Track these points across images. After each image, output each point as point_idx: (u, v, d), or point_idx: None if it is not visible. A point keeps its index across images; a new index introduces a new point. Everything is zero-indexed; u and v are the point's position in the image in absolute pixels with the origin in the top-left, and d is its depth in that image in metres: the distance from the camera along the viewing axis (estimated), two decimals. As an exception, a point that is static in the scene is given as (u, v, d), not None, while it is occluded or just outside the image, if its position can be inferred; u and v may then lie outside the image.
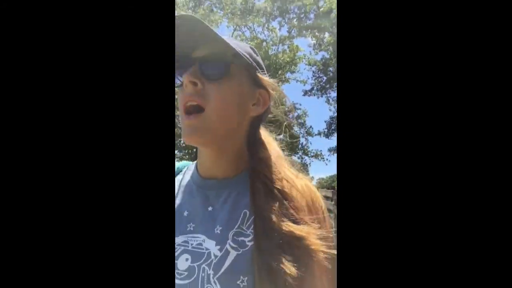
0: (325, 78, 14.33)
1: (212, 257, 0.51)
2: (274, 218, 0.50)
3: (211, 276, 0.50)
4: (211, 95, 0.55)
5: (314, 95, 14.95)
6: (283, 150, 0.67)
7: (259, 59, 0.62)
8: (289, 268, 0.46)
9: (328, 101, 14.81)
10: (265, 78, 0.62)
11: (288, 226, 0.50)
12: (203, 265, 0.51)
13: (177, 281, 0.51)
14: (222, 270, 0.50)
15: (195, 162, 0.67)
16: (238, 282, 0.48)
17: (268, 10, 14.38)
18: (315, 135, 14.65)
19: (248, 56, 0.58)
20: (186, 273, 0.51)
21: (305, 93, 14.99)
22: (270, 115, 0.67)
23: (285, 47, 14.05)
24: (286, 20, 14.39)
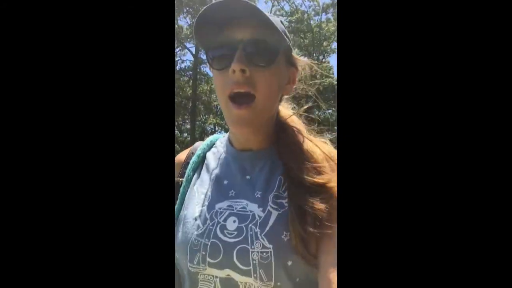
0: None
1: (257, 217, 0.57)
2: (300, 173, 0.58)
3: (259, 233, 0.55)
4: (259, 83, 0.56)
5: None
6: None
7: (287, 32, 0.62)
8: (317, 205, 0.54)
9: None
10: (298, 58, 0.66)
11: (312, 176, 0.57)
12: (250, 225, 0.57)
13: (229, 239, 0.56)
14: (267, 228, 0.56)
15: (227, 135, 0.71)
16: (282, 237, 0.55)
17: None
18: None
19: (287, 37, 0.59)
20: (235, 232, 0.57)
21: None
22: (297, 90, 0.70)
23: (329, 15, 13.26)
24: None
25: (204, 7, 0.54)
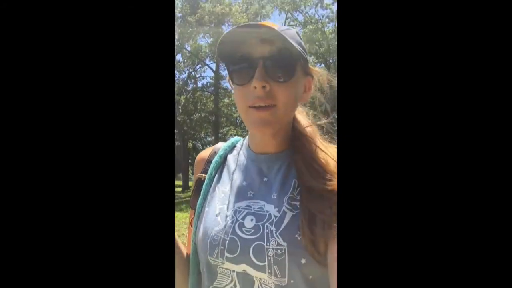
0: None
1: (273, 217, 0.61)
2: (311, 180, 0.61)
3: (274, 232, 0.59)
4: (279, 96, 0.60)
5: None
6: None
7: (303, 43, 0.66)
8: (326, 210, 0.57)
9: None
10: (314, 68, 0.69)
11: (321, 183, 0.60)
12: (266, 224, 0.60)
13: (246, 236, 0.61)
14: (282, 227, 0.59)
15: (246, 138, 0.75)
16: (296, 236, 0.58)
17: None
18: None
19: (301, 49, 0.62)
20: (252, 230, 0.61)
21: None
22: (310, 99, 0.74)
23: None
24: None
25: (230, 29, 0.59)
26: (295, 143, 0.68)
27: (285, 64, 0.60)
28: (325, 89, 0.73)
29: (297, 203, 0.61)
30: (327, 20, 14.03)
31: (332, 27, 13.70)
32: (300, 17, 14.82)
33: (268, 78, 0.59)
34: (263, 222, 0.61)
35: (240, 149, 0.75)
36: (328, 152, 0.66)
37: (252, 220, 0.62)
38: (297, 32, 0.66)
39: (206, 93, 17.59)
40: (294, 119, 0.71)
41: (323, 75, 0.71)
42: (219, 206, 0.66)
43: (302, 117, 0.73)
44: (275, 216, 0.61)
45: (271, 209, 0.62)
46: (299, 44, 0.62)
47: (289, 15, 14.75)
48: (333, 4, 13.74)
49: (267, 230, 0.60)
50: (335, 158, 0.64)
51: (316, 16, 14.15)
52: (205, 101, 17.38)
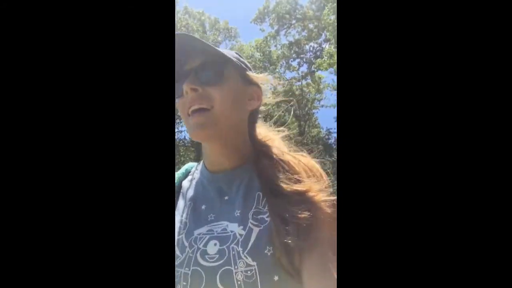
0: None
1: (238, 236, 0.57)
2: (280, 183, 0.59)
3: (241, 252, 0.55)
4: (213, 97, 0.61)
5: None
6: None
7: (245, 61, 0.69)
8: (299, 214, 0.55)
9: None
10: (254, 75, 0.69)
11: (292, 186, 0.59)
12: (232, 245, 0.56)
13: (211, 264, 0.56)
14: (250, 245, 0.55)
15: (201, 161, 0.74)
16: (265, 252, 0.54)
17: (286, 54, 15.50)
18: None
19: (236, 59, 0.65)
20: (217, 255, 0.56)
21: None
22: (267, 106, 0.74)
23: (309, 80, 15.76)
24: (304, 60, 15.99)
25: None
26: (258, 154, 0.67)
27: (214, 68, 0.62)
28: (274, 93, 0.73)
29: (264, 216, 0.58)
30: (294, 80, 15.88)
31: (300, 84, 16.16)
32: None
33: (198, 82, 0.60)
34: (227, 244, 0.57)
35: (196, 173, 0.73)
36: (295, 156, 0.66)
37: (215, 244, 0.58)
38: (236, 52, 0.69)
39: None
40: (253, 132, 0.71)
41: (268, 81, 0.71)
42: (176, 238, 0.62)
43: (263, 130, 0.74)
44: (241, 235, 0.57)
45: (235, 228, 0.58)
46: (235, 57, 0.65)
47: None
48: (298, 68, 16.28)
49: (233, 252, 0.56)
50: (304, 162, 0.64)
51: (287, 76, 15.59)
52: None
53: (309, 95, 17.01)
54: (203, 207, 0.65)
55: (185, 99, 0.62)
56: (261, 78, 0.70)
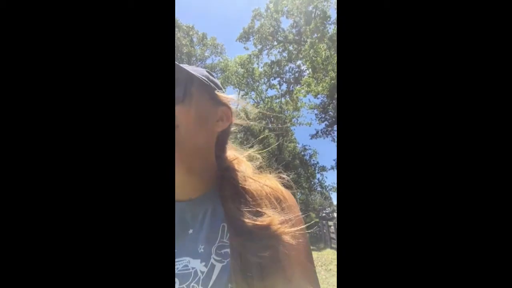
0: (327, 122, 16.62)
1: (199, 274, 0.53)
2: (241, 218, 0.55)
3: None
4: (177, 116, 0.56)
5: (320, 137, 16.88)
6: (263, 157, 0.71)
7: (216, 80, 0.66)
8: (261, 252, 0.50)
9: (333, 140, 16.45)
10: (223, 95, 0.65)
11: (252, 221, 0.54)
12: (192, 284, 0.53)
13: None
14: (211, 283, 0.52)
15: None
16: None
17: (267, 73, 16.72)
18: (329, 169, 17.19)
19: (205, 78, 0.61)
20: None
21: (312, 136, 17.01)
22: (239, 127, 0.70)
23: (287, 97, 16.94)
24: (284, 79, 17.23)
25: None
26: (222, 179, 0.62)
27: (180, 86, 0.58)
28: (246, 114, 0.70)
29: (228, 250, 0.54)
30: (274, 96, 17.05)
31: (279, 102, 17.31)
32: (253, 94, 16.75)
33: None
34: (188, 282, 0.53)
35: None
36: (260, 181, 0.62)
37: (175, 283, 0.54)
38: (206, 70, 0.66)
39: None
40: (221, 155, 0.68)
41: (236, 101, 0.68)
42: None
43: (233, 151, 0.70)
44: (202, 272, 0.53)
45: (197, 264, 0.55)
46: (204, 75, 0.62)
47: (242, 90, 16.76)
48: (279, 86, 17.48)
49: None
50: (271, 186, 0.61)
51: (269, 94, 16.75)
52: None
53: (287, 112, 18.22)
54: None
55: None
56: (230, 98, 0.67)
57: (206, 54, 16.84)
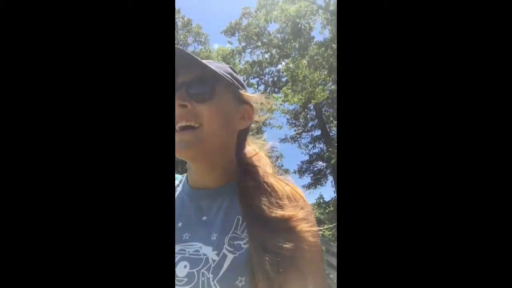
0: (296, 128, 17.41)
1: (210, 261, 0.54)
2: (263, 207, 0.56)
3: (211, 279, 0.52)
4: (202, 114, 0.58)
5: (288, 141, 17.62)
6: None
7: (239, 77, 0.67)
8: (281, 244, 0.51)
9: (300, 147, 17.46)
10: (247, 94, 0.67)
11: (275, 212, 0.55)
12: (202, 270, 0.53)
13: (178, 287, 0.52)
14: (221, 273, 0.52)
15: (185, 175, 0.71)
16: (237, 282, 0.51)
17: (248, 71, 16.84)
18: (291, 173, 17.03)
19: (229, 76, 0.63)
20: (186, 279, 0.53)
21: (281, 140, 17.33)
22: (256, 123, 0.71)
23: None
24: (263, 81, 17.36)
25: None
26: (242, 172, 0.64)
27: (206, 85, 0.60)
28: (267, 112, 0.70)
29: (242, 242, 0.55)
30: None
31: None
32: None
33: (188, 98, 0.58)
34: (198, 268, 0.54)
35: (179, 186, 0.71)
36: (280, 181, 0.63)
37: (185, 266, 0.55)
38: (230, 67, 0.68)
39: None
40: (241, 151, 0.69)
41: (260, 101, 0.69)
42: None
43: (249, 147, 0.72)
44: (213, 261, 0.54)
45: (208, 252, 0.55)
46: (228, 73, 0.64)
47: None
48: (257, 87, 17.60)
49: (203, 278, 0.53)
50: (287, 189, 0.62)
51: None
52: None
53: (262, 112, 18.43)
54: (180, 224, 0.61)
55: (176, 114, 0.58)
56: (255, 98, 0.68)
57: (188, 41, 16.51)
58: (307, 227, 0.56)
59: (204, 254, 0.55)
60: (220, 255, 0.55)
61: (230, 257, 0.54)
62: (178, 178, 0.74)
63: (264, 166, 0.68)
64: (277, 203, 0.57)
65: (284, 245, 0.51)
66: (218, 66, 0.63)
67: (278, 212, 0.55)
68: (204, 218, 0.61)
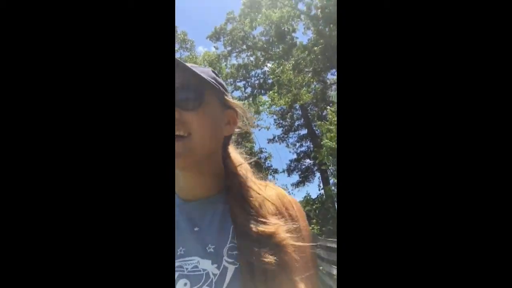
0: (283, 129, 17.99)
1: (211, 276, 0.51)
2: (247, 224, 0.55)
3: None
4: (190, 123, 0.56)
5: (276, 142, 18.24)
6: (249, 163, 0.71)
7: (222, 81, 0.65)
8: (266, 258, 0.50)
9: (287, 146, 17.94)
10: (231, 100, 0.65)
11: (258, 228, 0.54)
12: (204, 286, 0.51)
13: None
14: (225, 286, 0.51)
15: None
16: None
17: (234, 75, 17.32)
18: (280, 172, 17.98)
19: (214, 81, 0.61)
20: None
21: (269, 141, 18.40)
22: (237, 130, 0.70)
23: (250, 100, 17.44)
24: (249, 84, 17.85)
25: None
26: (228, 183, 0.63)
27: (193, 92, 0.58)
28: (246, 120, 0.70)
29: None
30: (237, 99, 17.53)
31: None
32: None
33: (176, 107, 0.56)
34: (199, 285, 0.51)
35: None
36: (261, 192, 0.62)
37: (186, 284, 0.52)
38: (212, 70, 0.66)
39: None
40: (227, 157, 0.67)
41: (243, 110, 0.68)
42: None
43: (235, 155, 0.70)
44: (214, 275, 0.52)
45: (207, 265, 0.53)
46: (212, 77, 0.62)
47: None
48: (244, 89, 18.06)
49: None
50: (270, 199, 0.61)
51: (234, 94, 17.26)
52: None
53: (250, 113, 18.92)
54: None
55: None
56: (238, 104, 0.67)
57: (175, 48, 16.83)
58: (292, 241, 0.55)
59: (204, 270, 0.53)
60: (221, 268, 0.53)
61: (231, 269, 0.52)
62: None
63: (250, 176, 0.66)
64: (261, 217, 0.56)
65: (268, 259, 0.50)
66: (202, 71, 0.60)
67: (262, 228, 0.54)
68: (196, 229, 0.58)
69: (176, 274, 0.53)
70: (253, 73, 17.58)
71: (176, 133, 0.55)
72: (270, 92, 13.93)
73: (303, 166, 18.20)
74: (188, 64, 0.56)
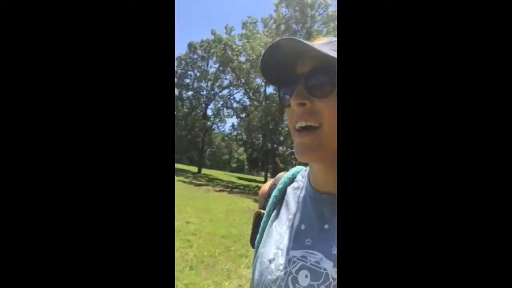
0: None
1: (331, 279, 0.48)
2: None
3: None
4: (322, 113, 0.52)
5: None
6: None
7: None
8: None
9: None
10: None
11: None
12: (322, 286, 0.49)
13: None
14: None
15: (307, 171, 0.64)
16: None
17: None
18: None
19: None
20: None
21: None
22: None
23: None
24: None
25: (265, 50, 0.54)
26: None
27: (326, 77, 0.52)
28: None
29: None
30: None
31: None
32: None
33: (307, 95, 0.52)
34: (318, 282, 0.50)
35: (302, 182, 0.65)
36: None
37: (306, 276, 0.51)
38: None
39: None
40: None
41: None
42: (274, 250, 0.57)
43: None
44: (334, 279, 0.48)
45: (329, 267, 0.50)
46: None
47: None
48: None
49: None
50: None
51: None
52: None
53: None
54: (303, 227, 0.57)
55: (292, 110, 0.55)
56: None
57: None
58: None
59: (325, 269, 0.50)
60: None
61: None
62: (300, 172, 0.68)
63: None
64: None
65: None
66: (331, 53, 0.51)
67: None
68: (326, 226, 0.55)
69: (299, 263, 0.53)
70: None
71: (308, 123, 0.52)
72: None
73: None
74: (315, 44, 0.52)
